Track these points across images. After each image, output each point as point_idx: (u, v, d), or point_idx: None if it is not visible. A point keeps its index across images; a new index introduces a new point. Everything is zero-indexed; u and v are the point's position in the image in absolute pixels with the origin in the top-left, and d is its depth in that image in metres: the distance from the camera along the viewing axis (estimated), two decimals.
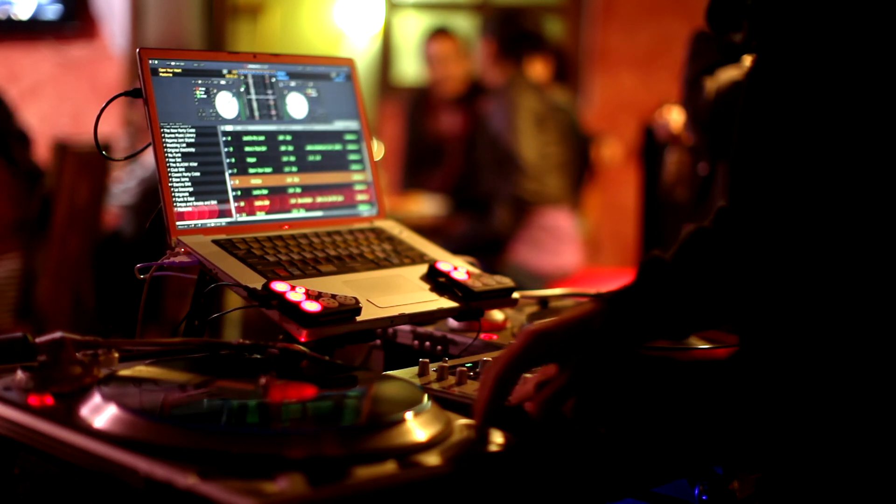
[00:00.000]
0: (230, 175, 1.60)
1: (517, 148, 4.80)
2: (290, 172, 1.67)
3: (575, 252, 4.98)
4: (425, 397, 1.21)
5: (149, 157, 1.54)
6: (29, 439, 1.14)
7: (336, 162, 1.74)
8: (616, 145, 5.55)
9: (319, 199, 1.71)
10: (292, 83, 1.71)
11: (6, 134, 3.75)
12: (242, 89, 1.65)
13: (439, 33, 5.74)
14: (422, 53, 5.76)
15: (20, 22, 5.98)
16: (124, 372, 1.28)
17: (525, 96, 4.87)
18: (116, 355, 1.31)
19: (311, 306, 1.38)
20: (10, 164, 3.72)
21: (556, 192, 4.92)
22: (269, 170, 1.65)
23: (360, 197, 1.76)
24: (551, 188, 4.90)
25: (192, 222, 1.55)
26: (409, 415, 1.15)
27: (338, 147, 1.75)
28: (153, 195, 1.54)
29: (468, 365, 1.39)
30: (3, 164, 3.72)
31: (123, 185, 4.80)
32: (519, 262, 4.82)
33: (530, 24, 5.13)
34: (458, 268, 1.62)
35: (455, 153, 5.59)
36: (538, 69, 5.05)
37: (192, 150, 1.57)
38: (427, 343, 1.68)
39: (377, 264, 1.62)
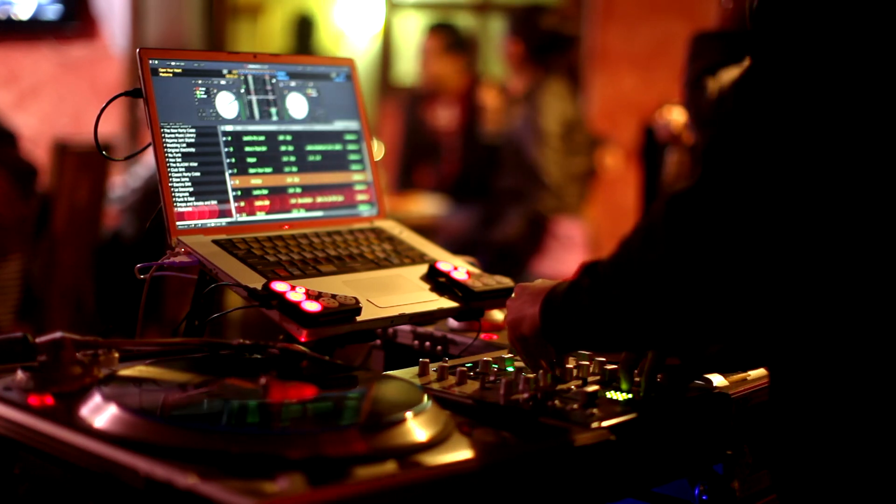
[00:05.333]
0: (230, 175, 1.60)
1: (543, 162, 4.71)
2: (291, 172, 1.67)
3: (579, 261, 4.94)
4: (425, 397, 1.21)
5: (151, 156, 1.54)
6: (29, 439, 1.14)
7: (336, 162, 1.74)
8: (618, 153, 5.53)
9: (319, 199, 1.70)
10: (292, 83, 1.71)
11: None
12: (242, 89, 1.65)
13: (431, 29, 5.73)
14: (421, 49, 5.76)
15: (20, 22, 5.97)
16: (124, 372, 1.27)
17: (556, 105, 4.74)
18: (116, 355, 1.31)
19: (312, 306, 1.38)
20: (4, 166, 3.72)
21: (572, 203, 4.88)
22: (269, 170, 1.65)
23: (360, 197, 1.76)
24: (570, 198, 4.86)
25: (193, 222, 1.55)
26: (409, 415, 1.15)
27: (338, 147, 1.75)
28: (154, 196, 1.54)
29: (468, 365, 1.39)
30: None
31: (126, 185, 4.80)
32: (530, 271, 4.78)
33: (557, 21, 4.98)
34: (458, 268, 1.62)
35: (451, 150, 5.58)
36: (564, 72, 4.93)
37: (193, 150, 1.57)
38: (427, 343, 1.68)
39: (377, 264, 1.62)
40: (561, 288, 1.27)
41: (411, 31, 7.05)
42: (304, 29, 7.51)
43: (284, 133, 1.69)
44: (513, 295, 1.38)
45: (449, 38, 5.62)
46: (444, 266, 1.62)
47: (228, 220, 1.59)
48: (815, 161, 1.07)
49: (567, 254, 4.88)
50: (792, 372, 1.17)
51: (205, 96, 1.60)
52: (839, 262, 1.10)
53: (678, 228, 1.12)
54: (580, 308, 1.24)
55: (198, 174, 1.56)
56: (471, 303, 1.59)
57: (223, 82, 1.63)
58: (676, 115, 3.64)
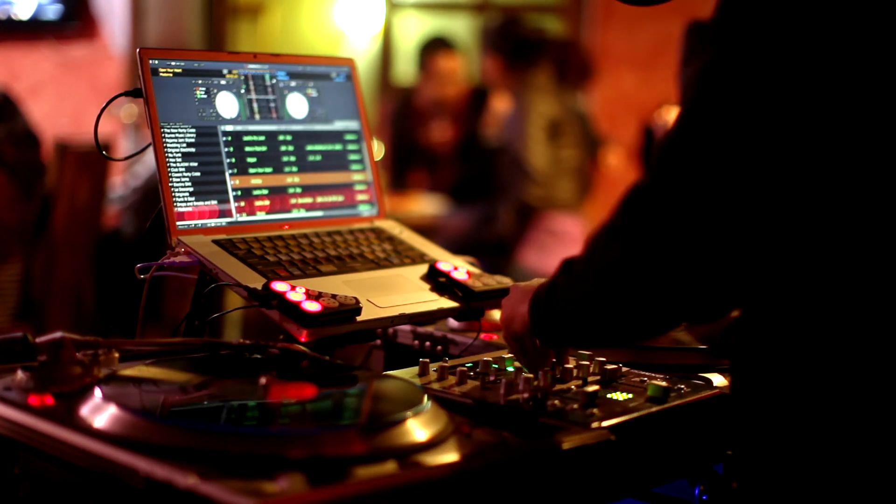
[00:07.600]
0: (230, 175, 1.60)
1: (526, 154, 4.76)
2: (291, 172, 1.67)
3: None
4: (425, 397, 1.21)
5: (151, 156, 1.54)
6: (29, 439, 1.14)
7: (336, 162, 1.74)
8: (620, 153, 5.53)
9: (320, 199, 1.70)
10: (292, 83, 1.71)
11: (5, 138, 3.74)
12: (243, 89, 1.65)
13: (445, 48, 5.67)
14: (423, 65, 5.70)
15: (20, 22, 5.98)
16: (124, 372, 1.28)
17: (539, 101, 4.80)
18: (116, 355, 1.31)
19: (312, 306, 1.38)
20: (8, 170, 3.71)
21: (567, 197, 4.89)
22: (269, 170, 1.65)
23: (360, 197, 1.76)
24: (563, 192, 4.86)
25: (193, 222, 1.55)
26: (409, 415, 1.15)
27: (338, 147, 1.75)
28: (155, 196, 1.54)
29: (468, 365, 1.39)
30: (2, 170, 3.71)
31: (126, 185, 4.80)
32: (527, 267, 4.80)
33: (529, 29, 5.05)
34: (459, 268, 1.62)
35: (447, 160, 5.58)
36: (546, 72, 4.98)
37: (193, 150, 1.57)
38: (427, 343, 1.68)
39: (377, 264, 1.62)
40: (545, 285, 1.28)
41: (411, 31, 7.05)
42: None
43: (284, 133, 1.69)
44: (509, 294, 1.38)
45: (465, 57, 5.60)
46: (444, 266, 1.62)
47: (228, 220, 1.59)
48: (773, 156, 1.05)
49: (564, 249, 4.88)
50: (753, 369, 1.15)
51: (205, 96, 1.60)
52: (799, 257, 1.09)
53: (636, 226, 1.12)
54: (558, 306, 1.24)
55: (198, 174, 1.56)
56: (471, 303, 1.59)
57: (223, 82, 1.63)
58: (676, 115, 3.63)
